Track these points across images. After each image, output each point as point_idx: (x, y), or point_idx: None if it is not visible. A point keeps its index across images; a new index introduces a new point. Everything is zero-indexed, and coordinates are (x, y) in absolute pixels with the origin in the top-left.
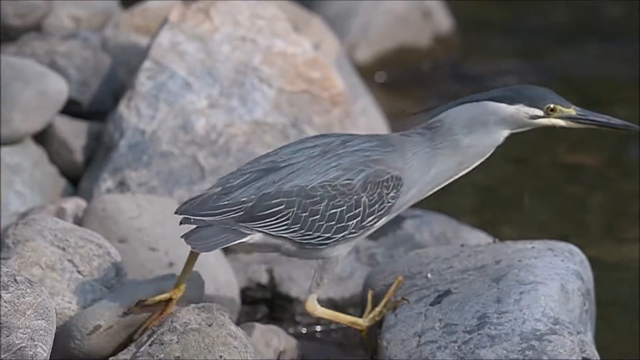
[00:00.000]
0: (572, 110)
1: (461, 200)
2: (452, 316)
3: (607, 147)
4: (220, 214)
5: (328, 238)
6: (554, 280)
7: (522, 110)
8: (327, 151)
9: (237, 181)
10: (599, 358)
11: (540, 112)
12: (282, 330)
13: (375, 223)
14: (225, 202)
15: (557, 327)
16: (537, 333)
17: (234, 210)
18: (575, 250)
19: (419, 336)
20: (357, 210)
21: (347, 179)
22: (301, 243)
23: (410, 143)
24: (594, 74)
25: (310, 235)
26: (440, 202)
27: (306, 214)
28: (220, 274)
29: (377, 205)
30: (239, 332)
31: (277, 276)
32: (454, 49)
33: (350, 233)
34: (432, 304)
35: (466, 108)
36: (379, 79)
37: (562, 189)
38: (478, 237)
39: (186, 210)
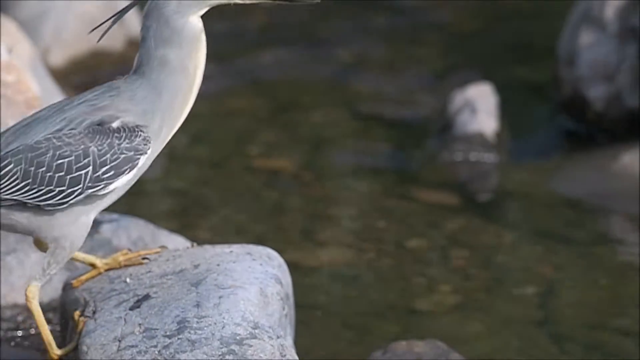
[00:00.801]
0: None
1: (158, 204)
2: (151, 321)
3: (300, 151)
4: None
5: (63, 193)
6: (253, 284)
7: None
8: (55, 109)
9: None
10: None
11: None
12: None
13: (114, 178)
14: None
15: (257, 331)
16: (237, 337)
17: None
18: (274, 254)
19: (119, 341)
20: (85, 160)
21: (71, 129)
22: (39, 206)
23: (132, 82)
24: (283, 77)
25: (42, 190)
26: (137, 206)
27: (33, 167)
28: None
29: (109, 156)
30: None
31: None
32: None
33: (87, 187)
34: (131, 309)
35: (148, 23)
36: (74, 83)
37: (258, 193)
38: (176, 242)
39: None
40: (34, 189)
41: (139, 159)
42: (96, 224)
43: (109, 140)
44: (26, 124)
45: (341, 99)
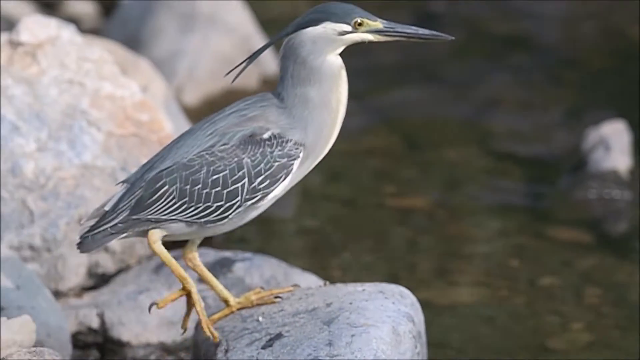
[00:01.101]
0: (378, 24)
1: (290, 243)
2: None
3: (434, 189)
4: (115, 217)
5: (222, 208)
6: (385, 322)
7: (329, 28)
8: (207, 121)
9: (133, 176)
10: None
11: (348, 27)
12: None
13: (271, 187)
14: (121, 204)
15: None
16: None
17: (126, 206)
18: (406, 292)
19: None
20: (240, 173)
21: (223, 144)
22: (199, 222)
23: (277, 104)
24: (418, 115)
25: (200, 208)
26: (270, 244)
27: (189, 186)
28: (51, 318)
29: (262, 166)
30: None
31: (108, 320)
32: None
33: (245, 199)
34: (263, 347)
35: (285, 64)
36: None
37: (391, 231)
38: (309, 280)
39: (85, 232)
40: (192, 207)
41: (292, 164)
42: (229, 262)
43: (261, 149)
44: (179, 139)
45: (475, 136)
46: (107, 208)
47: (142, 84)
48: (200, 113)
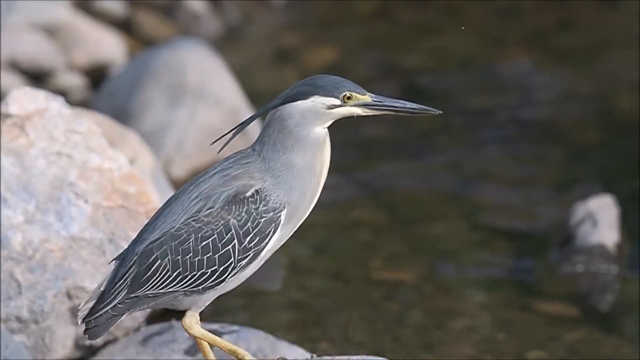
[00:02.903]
0: (367, 97)
1: (277, 316)
2: None
3: (421, 262)
4: (113, 298)
5: (217, 273)
6: None
7: (317, 102)
8: (191, 184)
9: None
10: None
11: (337, 101)
12: None
13: (261, 243)
14: (115, 283)
15: None
16: None
17: (123, 285)
18: None
19: None
20: (228, 235)
21: (209, 208)
22: (196, 291)
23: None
24: (405, 188)
25: (195, 275)
26: (257, 317)
27: (180, 256)
28: None
29: (249, 224)
30: None
31: None
32: None
33: (238, 260)
34: None
35: (269, 131)
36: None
37: (377, 304)
38: (296, 353)
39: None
40: (187, 276)
41: (279, 216)
42: (216, 335)
43: (245, 207)
44: (166, 206)
45: (463, 210)
46: (102, 288)
47: (130, 156)
48: None
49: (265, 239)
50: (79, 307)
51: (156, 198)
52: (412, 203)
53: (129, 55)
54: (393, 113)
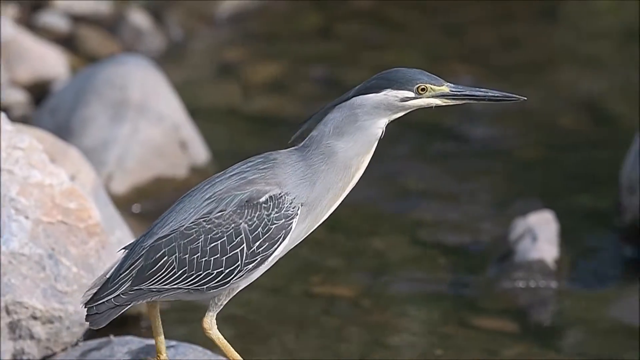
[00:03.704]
0: (445, 88)
1: None
2: None
3: (360, 278)
4: (117, 287)
5: (222, 274)
6: None
7: (390, 95)
8: (207, 183)
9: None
10: None
11: (410, 94)
12: None
13: (270, 249)
14: (120, 273)
15: None
16: None
17: (127, 277)
18: None
19: None
20: (238, 239)
21: (220, 210)
22: (200, 289)
23: (290, 158)
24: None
25: (200, 275)
26: (195, 332)
27: (187, 255)
28: None
29: (260, 230)
30: None
31: None
32: None
33: (245, 264)
34: None
35: (334, 114)
36: (135, 210)
37: (317, 320)
38: None
39: (89, 301)
40: (192, 275)
41: (291, 223)
42: (154, 350)
43: (257, 213)
44: (180, 201)
45: (402, 226)
46: (108, 276)
47: (71, 172)
48: (130, 201)
49: (275, 244)
50: (85, 292)
51: (96, 214)
52: (351, 218)
53: (72, 71)
54: (474, 102)
